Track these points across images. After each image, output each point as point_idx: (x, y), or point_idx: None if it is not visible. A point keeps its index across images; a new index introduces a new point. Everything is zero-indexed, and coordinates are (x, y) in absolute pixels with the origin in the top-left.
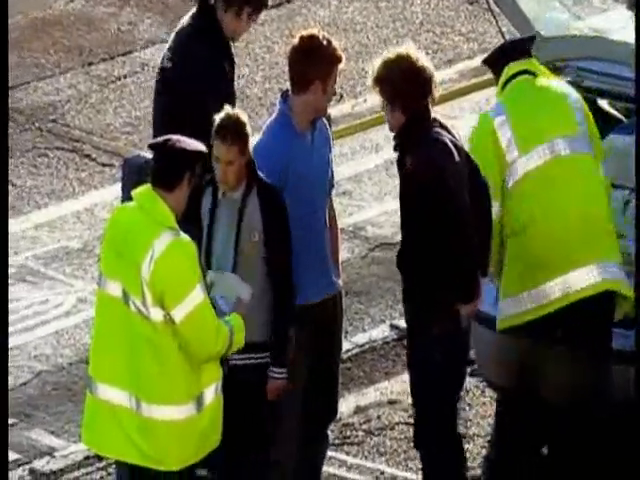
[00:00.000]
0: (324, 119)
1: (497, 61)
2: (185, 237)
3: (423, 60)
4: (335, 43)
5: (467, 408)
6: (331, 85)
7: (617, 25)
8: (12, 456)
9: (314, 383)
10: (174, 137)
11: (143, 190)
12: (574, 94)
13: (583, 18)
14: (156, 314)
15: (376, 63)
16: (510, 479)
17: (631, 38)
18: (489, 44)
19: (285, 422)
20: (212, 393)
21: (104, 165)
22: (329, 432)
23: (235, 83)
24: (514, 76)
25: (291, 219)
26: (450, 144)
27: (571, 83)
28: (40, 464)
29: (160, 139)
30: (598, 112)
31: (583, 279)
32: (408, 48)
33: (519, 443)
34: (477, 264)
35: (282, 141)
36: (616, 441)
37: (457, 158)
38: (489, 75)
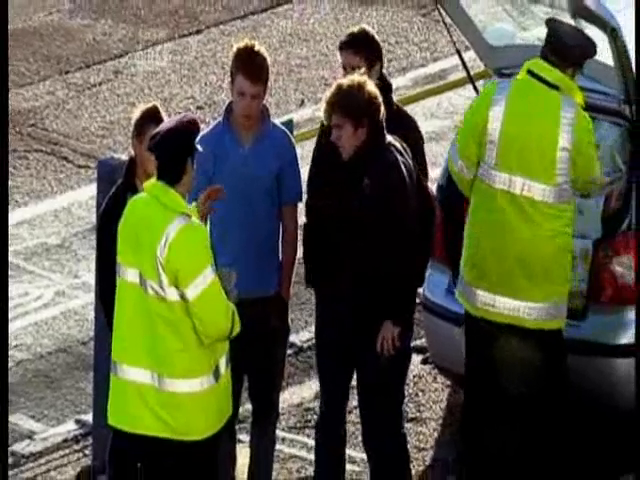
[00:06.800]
0: (289, 139)
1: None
2: (197, 222)
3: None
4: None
5: (420, 394)
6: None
7: None
8: None
9: (251, 383)
10: (163, 129)
11: (153, 182)
12: (569, 132)
13: (529, 28)
14: (172, 294)
15: (330, 91)
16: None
17: None
18: (440, 53)
19: None
20: (224, 363)
21: (80, 167)
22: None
23: (203, 90)
24: (533, 74)
25: (225, 213)
26: (403, 167)
27: None
28: (21, 447)
29: (152, 137)
30: None
31: (501, 307)
32: (360, 76)
33: (481, 426)
34: (415, 288)
35: (213, 135)
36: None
37: (409, 182)
38: (440, 82)
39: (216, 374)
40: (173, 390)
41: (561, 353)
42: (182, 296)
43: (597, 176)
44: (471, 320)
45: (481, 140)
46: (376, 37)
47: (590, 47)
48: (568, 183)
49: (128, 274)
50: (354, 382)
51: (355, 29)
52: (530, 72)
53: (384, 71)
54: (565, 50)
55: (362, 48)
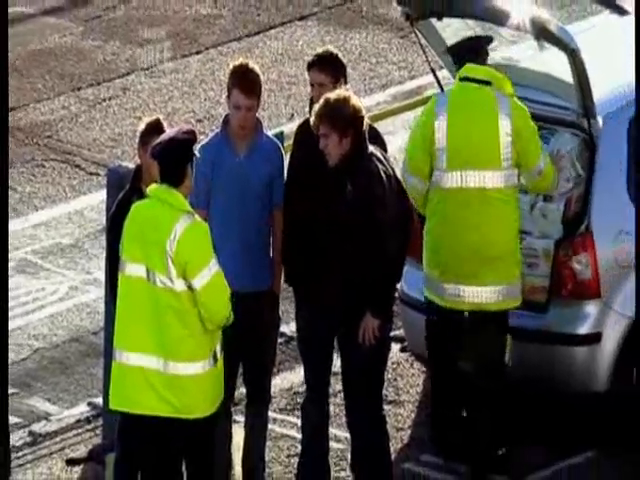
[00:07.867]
0: (279, 149)
1: (459, 54)
2: (199, 219)
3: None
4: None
5: (398, 379)
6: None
7: (525, 55)
8: (14, 420)
9: (246, 369)
10: (164, 139)
11: (156, 186)
12: (508, 120)
13: (495, 49)
14: (180, 285)
15: (318, 104)
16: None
17: (537, 65)
18: (417, 71)
19: None
20: (219, 347)
21: (92, 174)
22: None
23: (203, 105)
24: (466, 79)
25: (219, 214)
26: (384, 175)
27: None
28: (38, 427)
29: (155, 145)
30: None
31: (466, 296)
32: (345, 91)
33: (445, 403)
34: (393, 285)
35: (212, 145)
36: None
37: (388, 189)
38: (417, 97)
39: (214, 358)
40: (178, 373)
41: (504, 331)
42: (189, 287)
43: (544, 171)
44: (438, 313)
45: (431, 150)
46: (340, 57)
47: (482, 39)
48: (513, 168)
49: (133, 269)
50: (337, 368)
51: (321, 50)
52: (462, 78)
53: (366, 87)
54: (479, 50)
55: (326, 66)
